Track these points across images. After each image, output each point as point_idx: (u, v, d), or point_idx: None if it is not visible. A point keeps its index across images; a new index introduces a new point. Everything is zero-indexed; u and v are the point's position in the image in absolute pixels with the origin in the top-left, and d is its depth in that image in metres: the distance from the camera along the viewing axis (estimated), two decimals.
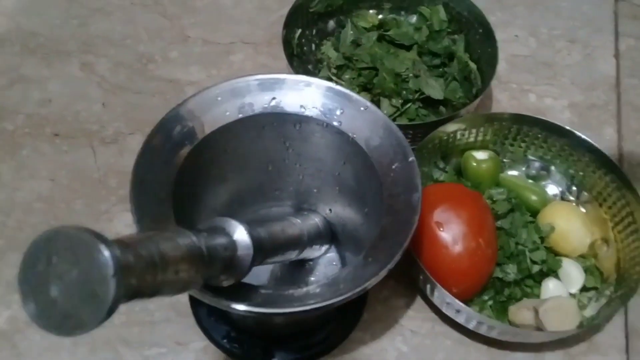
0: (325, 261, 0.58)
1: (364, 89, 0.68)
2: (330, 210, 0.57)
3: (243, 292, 0.41)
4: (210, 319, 0.56)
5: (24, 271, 0.26)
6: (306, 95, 0.51)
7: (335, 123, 0.51)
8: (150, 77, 0.73)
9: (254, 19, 0.80)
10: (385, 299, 0.59)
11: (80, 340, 0.55)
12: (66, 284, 0.25)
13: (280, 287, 0.43)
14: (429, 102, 0.68)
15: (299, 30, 0.71)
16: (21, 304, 0.26)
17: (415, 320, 0.59)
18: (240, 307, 0.39)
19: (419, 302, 0.60)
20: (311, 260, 0.58)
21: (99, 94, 0.71)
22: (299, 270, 0.58)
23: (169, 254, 0.30)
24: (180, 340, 0.55)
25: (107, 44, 0.76)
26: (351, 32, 0.73)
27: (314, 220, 0.56)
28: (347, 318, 0.58)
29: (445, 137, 0.63)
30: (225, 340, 0.55)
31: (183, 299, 0.57)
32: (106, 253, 0.25)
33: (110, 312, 0.25)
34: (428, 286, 0.54)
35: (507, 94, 0.75)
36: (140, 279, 0.27)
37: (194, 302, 0.57)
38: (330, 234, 0.57)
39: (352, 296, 0.42)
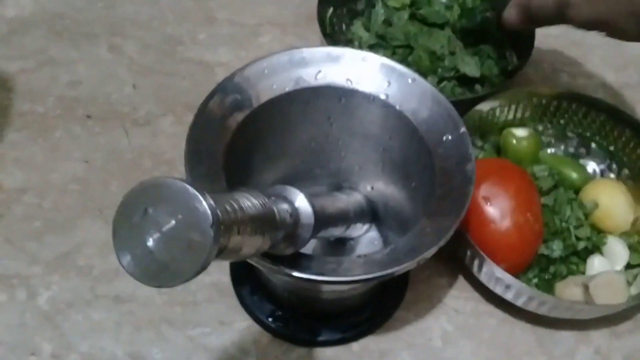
0: (366, 240, 0.57)
1: None
2: (372, 188, 0.56)
3: (302, 260, 0.40)
4: (253, 298, 0.55)
5: (119, 223, 0.26)
6: (352, 68, 0.50)
7: (382, 96, 0.50)
8: (180, 59, 0.72)
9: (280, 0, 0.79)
10: (427, 279, 0.58)
11: (124, 321, 0.54)
12: (163, 234, 0.24)
13: (338, 257, 0.42)
14: (464, 80, 0.67)
15: (331, 9, 0.70)
16: (116, 256, 0.25)
17: (458, 299, 0.58)
18: (303, 275, 0.39)
19: (461, 281, 0.59)
20: (352, 239, 0.57)
21: (129, 76, 0.70)
22: (340, 248, 0.57)
23: (250, 211, 0.29)
24: (223, 319, 0.55)
25: (134, 26, 0.75)
26: (382, 11, 0.72)
27: (357, 198, 0.55)
28: (390, 297, 0.57)
29: (484, 115, 0.62)
30: (269, 319, 0.54)
31: (225, 278, 0.56)
32: (204, 203, 0.24)
33: (206, 263, 0.24)
34: (476, 262, 0.53)
35: (539, 74, 0.74)
36: (227, 235, 0.26)
37: (236, 282, 0.56)
38: (371, 213, 0.56)
39: (412, 265, 0.41)
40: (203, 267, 0.25)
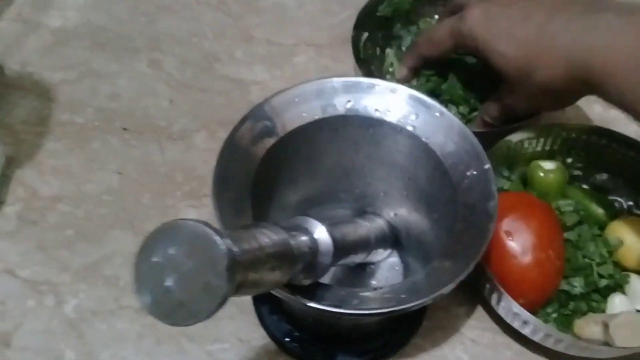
0: (387, 265, 0.58)
1: (431, 95, 0.67)
2: (395, 214, 0.57)
3: (319, 290, 0.41)
4: (272, 317, 0.56)
5: (141, 261, 0.27)
6: (381, 99, 0.51)
7: (409, 127, 0.51)
8: (216, 76, 0.74)
9: (317, 21, 0.81)
10: (445, 307, 0.59)
11: (146, 333, 0.55)
12: (181, 275, 0.26)
13: (354, 289, 0.43)
14: None
15: (366, 34, 0.70)
16: (135, 293, 0.27)
17: (475, 329, 0.58)
18: (318, 306, 0.40)
19: (479, 311, 0.59)
20: (373, 264, 0.58)
21: (167, 91, 0.72)
22: (361, 273, 0.58)
23: (268, 249, 0.30)
24: (242, 337, 0.56)
25: (174, 42, 0.77)
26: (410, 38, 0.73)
27: (379, 224, 0.56)
28: (408, 324, 0.58)
29: (512, 146, 0.62)
30: (286, 339, 0.56)
31: (248, 296, 0.58)
32: (222, 246, 0.25)
33: (222, 303, 0.26)
34: (494, 296, 0.54)
35: (572, 105, 0.74)
36: (245, 273, 0.27)
37: (257, 300, 0.57)
38: (393, 238, 0.57)
39: (428, 302, 0.42)
40: (218, 308, 0.26)
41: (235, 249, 0.26)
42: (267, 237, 0.31)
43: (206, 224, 0.26)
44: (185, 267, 0.26)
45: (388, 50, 0.73)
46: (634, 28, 0.48)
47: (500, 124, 0.62)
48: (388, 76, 0.72)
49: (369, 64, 0.72)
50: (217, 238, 0.25)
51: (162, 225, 0.27)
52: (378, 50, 0.73)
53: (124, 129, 0.68)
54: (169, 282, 0.26)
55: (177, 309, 0.26)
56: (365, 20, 0.70)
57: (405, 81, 0.66)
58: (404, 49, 0.73)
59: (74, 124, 0.69)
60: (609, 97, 0.50)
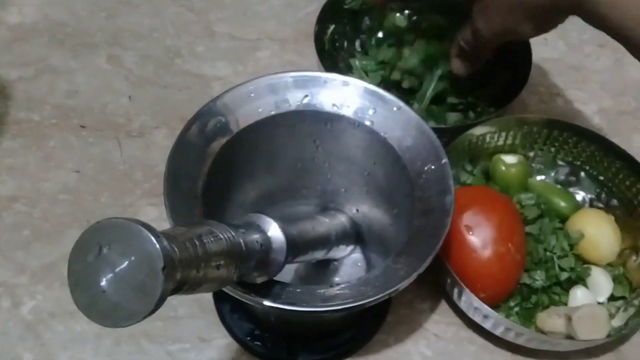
0: (350, 262, 0.58)
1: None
2: (357, 210, 0.57)
3: (274, 289, 0.41)
4: (233, 316, 0.56)
5: (75, 261, 0.26)
6: (339, 93, 0.51)
7: (367, 122, 0.50)
8: (177, 72, 0.73)
9: (281, 15, 0.80)
10: (409, 302, 0.59)
11: (104, 333, 0.54)
12: (116, 275, 0.25)
13: (310, 286, 0.43)
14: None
15: (332, 27, 0.70)
16: (70, 294, 0.26)
17: (439, 324, 0.58)
18: (273, 304, 0.39)
19: (443, 305, 0.59)
20: (336, 260, 0.58)
21: (126, 87, 0.71)
22: (324, 270, 0.57)
23: (211, 247, 0.30)
24: (203, 336, 0.55)
25: (134, 37, 0.76)
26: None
27: (341, 220, 0.55)
28: (371, 320, 0.57)
29: (474, 140, 0.62)
30: (248, 338, 0.55)
31: (207, 295, 0.57)
32: (157, 245, 0.25)
33: (159, 304, 0.25)
34: (455, 290, 0.54)
35: (535, 98, 0.74)
36: (184, 273, 0.27)
37: (218, 299, 0.57)
38: (355, 235, 0.57)
39: (384, 297, 0.41)
40: (155, 309, 0.25)
41: (173, 247, 0.26)
42: (212, 234, 0.31)
43: (141, 222, 0.25)
44: (120, 267, 0.25)
45: (355, 61, 0.72)
46: None
47: (474, 55, 0.59)
48: (355, 72, 0.72)
49: (335, 57, 0.71)
50: (152, 237, 0.25)
51: (96, 223, 0.26)
52: (346, 43, 0.73)
53: (82, 127, 0.67)
54: (104, 283, 0.25)
55: (113, 309, 0.25)
56: (331, 13, 0.69)
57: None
58: (373, 43, 0.72)
59: (31, 122, 0.67)
60: (599, 16, 0.46)
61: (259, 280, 0.39)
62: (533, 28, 0.52)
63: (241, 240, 0.33)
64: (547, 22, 0.52)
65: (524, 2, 0.50)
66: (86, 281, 0.25)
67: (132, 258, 0.25)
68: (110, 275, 0.25)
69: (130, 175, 0.64)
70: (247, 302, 0.39)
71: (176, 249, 0.26)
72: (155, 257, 0.25)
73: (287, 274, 0.56)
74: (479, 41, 0.56)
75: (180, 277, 0.26)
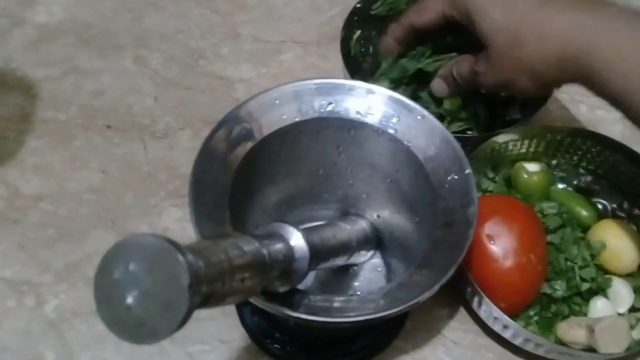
0: (370, 267, 0.58)
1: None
2: (378, 216, 0.57)
3: (295, 297, 0.41)
4: (254, 319, 0.56)
5: (101, 277, 0.26)
6: (363, 101, 0.51)
7: (390, 130, 0.51)
8: (201, 73, 0.73)
9: (305, 18, 0.80)
10: (427, 309, 0.59)
11: None
12: (142, 291, 0.25)
13: (331, 296, 0.43)
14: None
15: (358, 32, 0.70)
16: (96, 310, 0.26)
17: (457, 331, 0.58)
18: (294, 314, 0.39)
19: (461, 312, 0.59)
20: (356, 265, 0.58)
21: (151, 88, 0.72)
22: (344, 274, 0.58)
23: (236, 261, 0.30)
24: (223, 338, 0.56)
25: (160, 39, 0.76)
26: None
27: (362, 226, 0.56)
28: (390, 326, 0.57)
29: (497, 147, 0.62)
30: (267, 341, 0.55)
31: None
32: (183, 263, 0.25)
33: (184, 321, 0.25)
34: (475, 299, 0.54)
35: (558, 104, 0.74)
36: (210, 287, 0.27)
37: None
38: (376, 240, 0.57)
39: (404, 310, 0.41)
40: (180, 326, 0.25)
41: (199, 263, 0.26)
42: (237, 248, 0.31)
43: (167, 239, 0.26)
44: (146, 284, 0.25)
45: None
46: None
47: (461, 87, 0.59)
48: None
49: (360, 62, 0.71)
50: (178, 254, 0.25)
51: (123, 240, 0.26)
52: (371, 49, 0.73)
53: (108, 127, 0.68)
54: (129, 300, 0.25)
55: (138, 327, 0.25)
56: (357, 18, 0.69)
57: (390, 52, 0.63)
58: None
59: (57, 122, 0.68)
60: (602, 85, 0.48)
61: (282, 289, 0.39)
62: (536, 89, 0.54)
63: (265, 252, 0.34)
64: (550, 86, 0.56)
65: (530, 68, 0.51)
66: (112, 297, 0.26)
67: (158, 275, 0.25)
68: (137, 292, 0.25)
69: (154, 176, 0.65)
70: (269, 310, 0.40)
71: (202, 264, 0.27)
72: (181, 274, 0.25)
73: (307, 278, 0.55)
74: (474, 83, 0.57)
75: (206, 291, 0.27)
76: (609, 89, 0.47)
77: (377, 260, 0.58)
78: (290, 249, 0.38)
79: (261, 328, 0.56)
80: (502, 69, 0.53)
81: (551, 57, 0.50)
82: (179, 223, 0.62)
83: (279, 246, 0.37)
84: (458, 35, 0.60)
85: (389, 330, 0.57)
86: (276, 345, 0.55)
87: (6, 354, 0.54)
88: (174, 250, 0.25)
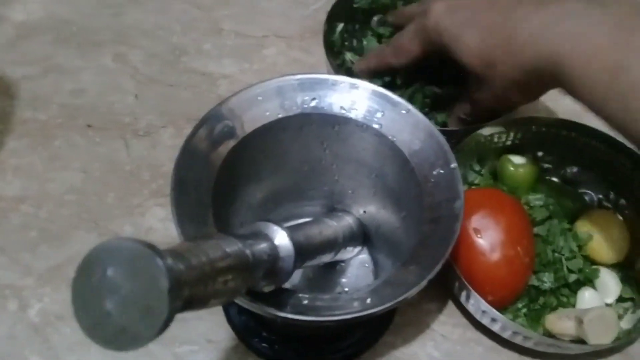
0: (357, 263, 0.58)
1: None
2: (364, 211, 0.57)
3: (281, 297, 0.41)
4: (241, 318, 0.56)
5: (78, 283, 0.26)
6: (347, 96, 0.51)
7: (375, 125, 0.50)
8: (183, 70, 0.73)
9: (288, 12, 0.79)
10: (416, 303, 0.58)
11: None
12: (121, 297, 0.25)
13: (318, 294, 0.42)
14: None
15: (341, 25, 0.69)
16: (75, 317, 0.26)
17: (446, 325, 0.58)
18: (280, 313, 0.39)
19: (450, 306, 0.59)
20: (343, 261, 0.57)
21: (132, 86, 0.71)
22: (331, 271, 0.57)
23: (219, 264, 0.29)
24: (211, 338, 0.55)
25: (140, 35, 0.75)
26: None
27: (348, 222, 0.55)
28: (378, 322, 0.57)
29: (482, 140, 0.61)
30: (256, 340, 0.55)
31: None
32: (162, 267, 0.24)
33: (165, 326, 0.25)
34: (463, 293, 0.53)
35: (543, 97, 0.73)
36: (192, 291, 0.26)
37: None
38: (362, 236, 0.56)
39: (393, 306, 0.41)
40: (161, 331, 0.25)
41: (179, 266, 0.26)
42: (219, 249, 0.30)
43: (145, 243, 0.25)
44: (125, 289, 0.25)
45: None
46: (606, 21, 0.46)
47: (476, 119, 0.60)
48: None
49: (344, 55, 0.71)
50: (157, 258, 0.24)
51: (100, 244, 0.26)
52: (355, 42, 0.72)
53: (88, 126, 0.67)
54: (108, 306, 0.25)
55: (118, 333, 0.25)
56: (340, 12, 0.69)
57: (362, 77, 0.62)
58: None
59: (37, 121, 0.67)
60: (574, 92, 0.48)
61: (267, 289, 0.38)
62: (525, 98, 0.56)
63: (249, 252, 0.33)
64: (535, 93, 0.56)
65: (513, 82, 0.52)
66: (90, 303, 0.25)
67: (137, 280, 0.24)
68: (115, 297, 0.25)
69: (137, 175, 0.64)
70: (254, 311, 0.39)
71: (182, 268, 0.26)
72: (160, 278, 0.24)
73: (294, 276, 0.54)
74: (478, 111, 0.59)
75: (187, 295, 0.26)
76: (579, 96, 0.48)
77: (364, 256, 0.58)
78: (274, 248, 0.38)
79: (248, 327, 0.55)
80: (492, 89, 0.55)
81: (525, 67, 0.50)
82: (162, 222, 0.61)
83: (263, 246, 0.37)
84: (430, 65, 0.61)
85: (378, 326, 0.57)
86: (264, 344, 0.55)
87: None
88: (152, 254, 0.25)
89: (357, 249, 0.56)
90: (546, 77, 0.50)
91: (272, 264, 0.37)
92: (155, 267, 0.24)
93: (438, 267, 0.42)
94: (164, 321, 0.24)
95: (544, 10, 0.49)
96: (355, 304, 0.40)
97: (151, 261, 0.24)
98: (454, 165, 0.47)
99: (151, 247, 0.25)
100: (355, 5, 0.70)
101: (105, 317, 0.25)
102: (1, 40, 0.74)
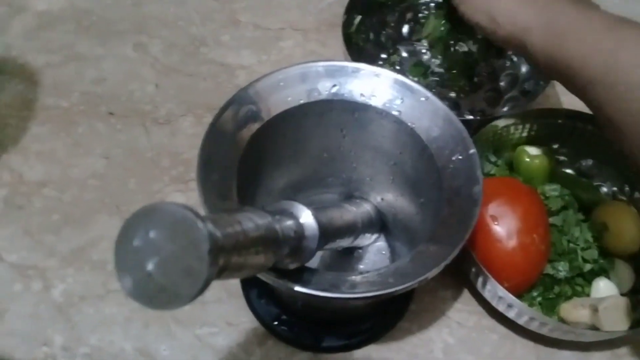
0: (374, 249, 0.58)
1: None
2: (382, 199, 0.57)
3: (304, 275, 0.41)
4: (260, 301, 0.57)
5: (121, 245, 0.27)
6: (367, 83, 0.51)
7: (394, 112, 0.51)
8: (202, 60, 0.74)
9: (304, 5, 0.80)
10: (432, 290, 0.59)
11: (134, 316, 0.55)
12: (162, 258, 0.26)
13: (339, 273, 0.43)
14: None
15: (359, 18, 0.70)
16: (117, 277, 0.27)
17: (461, 312, 0.58)
18: (304, 289, 0.40)
19: (465, 294, 0.59)
20: (360, 248, 0.58)
21: (152, 75, 0.72)
22: (348, 257, 0.58)
23: (251, 234, 0.30)
24: (231, 320, 0.56)
25: (160, 25, 0.76)
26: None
27: (366, 209, 0.56)
28: (395, 307, 0.58)
29: (499, 131, 0.62)
30: (275, 323, 0.56)
31: (234, 280, 0.58)
32: (204, 230, 0.25)
33: (204, 287, 0.25)
34: (480, 279, 0.54)
35: (557, 89, 0.74)
36: (227, 257, 0.27)
37: (245, 284, 0.58)
38: (380, 223, 0.57)
39: (412, 286, 0.42)
40: (200, 292, 0.26)
41: (217, 232, 0.26)
42: (252, 221, 0.31)
43: (187, 207, 0.26)
44: (166, 251, 0.25)
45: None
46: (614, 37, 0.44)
47: None
48: (380, 62, 0.72)
49: (362, 48, 0.71)
50: (198, 221, 0.25)
51: (143, 208, 0.27)
52: (372, 35, 0.73)
53: (110, 113, 0.68)
54: (150, 266, 0.26)
55: (159, 293, 0.26)
56: (357, 5, 0.69)
57: None
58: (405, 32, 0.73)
59: (59, 108, 0.68)
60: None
61: (292, 266, 0.39)
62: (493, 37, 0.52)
63: (278, 227, 0.34)
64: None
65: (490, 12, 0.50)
66: (132, 264, 0.26)
67: (179, 242, 0.25)
68: (157, 258, 0.26)
69: (157, 162, 0.65)
70: (279, 287, 0.40)
71: (220, 234, 0.27)
72: (201, 241, 0.25)
73: (313, 261, 0.55)
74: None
75: (223, 262, 0.27)
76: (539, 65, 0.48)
77: (382, 243, 0.58)
78: (300, 226, 0.39)
79: (268, 310, 0.56)
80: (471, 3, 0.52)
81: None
82: None
83: (289, 223, 0.37)
84: None
85: (394, 312, 0.58)
86: (283, 327, 0.56)
87: (15, 337, 0.54)
88: (194, 217, 0.25)
89: (375, 235, 0.57)
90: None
91: (297, 242, 0.38)
92: (197, 231, 0.25)
93: (458, 248, 0.43)
94: (204, 282, 0.25)
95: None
96: (377, 282, 0.41)
97: (193, 225, 0.25)
98: (472, 151, 0.48)
99: (193, 211, 0.26)
100: None
101: (146, 278, 0.26)
102: (24, 29, 0.75)
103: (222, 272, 0.28)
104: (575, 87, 0.47)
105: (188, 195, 0.63)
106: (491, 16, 0.50)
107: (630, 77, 0.42)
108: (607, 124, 0.45)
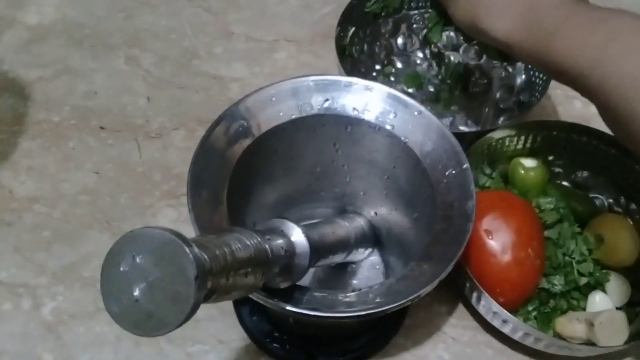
0: (368, 264, 0.58)
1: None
2: (375, 213, 0.57)
3: (295, 293, 0.41)
4: (252, 318, 0.56)
5: (108, 270, 0.26)
6: (360, 97, 0.51)
7: (387, 126, 0.50)
8: (195, 73, 0.73)
9: (297, 16, 0.80)
10: (427, 305, 0.59)
11: (124, 335, 0.55)
12: (149, 284, 0.25)
13: (332, 291, 0.43)
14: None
15: (352, 29, 0.70)
16: (103, 302, 0.26)
17: (456, 327, 0.58)
18: (296, 309, 0.39)
19: (460, 309, 0.59)
20: (354, 263, 0.58)
21: (144, 88, 0.71)
22: (342, 272, 0.58)
23: (240, 255, 0.30)
24: (222, 338, 0.55)
25: (152, 38, 0.76)
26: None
27: (360, 223, 0.56)
28: (389, 323, 0.57)
29: (493, 143, 0.62)
30: (267, 340, 0.55)
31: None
32: (190, 255, 0.25)
33: (192, 313, 0.25)
34: (474, 294, 0.54)
35: (552, 101, 0.74)
36: (215, 281, 0.27)
37: (237, 301, 0.57)
38: (374, 237, 0.57)
39: (405, 303, 0.41)
40: (187, 318, 0.25)
41: (204, 256, 0.26)
42: (240, 242, 0.31)
43: (174, 231, 0.25)
44: (153, 276, 0.25)
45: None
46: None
47: None
48: (374, 73, 0.72)
49: (355, 60, 0.71)
50: (184, 246, 0.25)
51: (129, 233, 0.26)
52: (366, 47, 0.73)
53: (101, 128, 0.67)
54: (137, 292, 0.25)
55: (146, 319, 0.25)
56: (351, 16, 0.69)
57: None
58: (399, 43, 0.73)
59: (50, 123, 0.68)
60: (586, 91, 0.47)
61: (283, 285, 0.39)
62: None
63: (267, 247, 0.34)
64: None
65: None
66: (119, 290, 0.26)
67: (165, 267, 0.25)
68: (144, 284, 0.25)
69: (149, 177, 0.64)
70: (270, 307, 0.39)
71: (207, 258, 0.26)
72: (188, 265, 0.25)
73: (306, 277, 0.55)
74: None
75: (210, 285, 0.27)
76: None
77: (375, 257, 0.58)
78: (291, 244, 0.38)
79: (260, 327, 0.56)
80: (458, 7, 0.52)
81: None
82: (174, 224, 0.61)
83: (280, 241, 0.37)
84: None
85: (388, 327, 0.57)
86: (275, 345, 0.55)
87: (4, 356, 0.53)
88: (180, 242, 0.25)
89: (368, 250, 0.57)
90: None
91: (288, 260, 0.38)
92: (183, 255, 0.25)
93: (451, 265, 0.43)
94: (191, 308, 0.25)
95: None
96: (370, 301, 0.41)
97: (179, 249, 0.25)
98: (466, 165, 0.48)
99: (179, 235, 0.25)
100: (366, 10, 0.71)
101: (133, 304, 0.25)
102: (15, 43, 0.74)
103: (210, 296, 0.27)
104: (567, 80, 0.47)
105: (180, 210, 0.62)
106: (476, 21, 0.50)
107: (621, 68, 0.42)
108: (602, 111, 0.46)
